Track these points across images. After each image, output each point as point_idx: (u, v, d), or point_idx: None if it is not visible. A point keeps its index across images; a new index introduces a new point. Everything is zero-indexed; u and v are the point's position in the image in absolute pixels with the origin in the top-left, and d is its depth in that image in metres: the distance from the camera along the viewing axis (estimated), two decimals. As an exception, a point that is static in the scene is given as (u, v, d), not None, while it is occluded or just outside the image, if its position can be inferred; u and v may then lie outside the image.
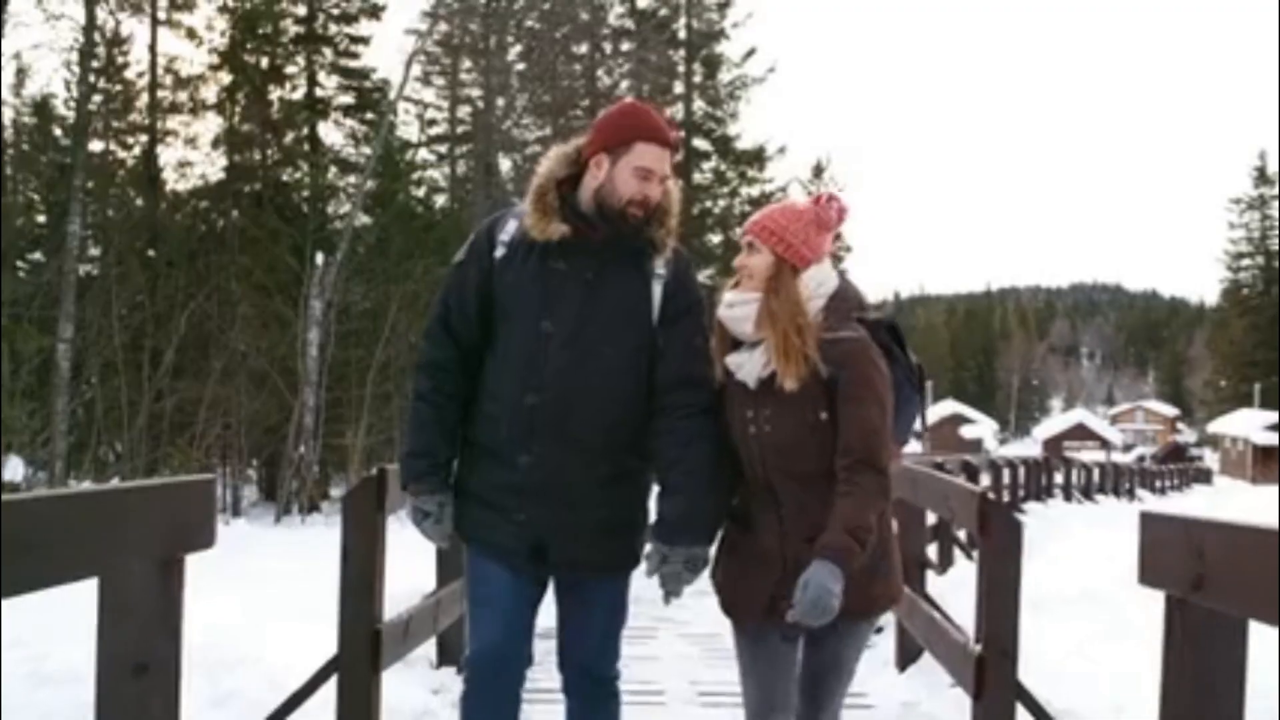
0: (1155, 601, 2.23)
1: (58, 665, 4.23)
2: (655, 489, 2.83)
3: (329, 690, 3.74)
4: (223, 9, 23.52)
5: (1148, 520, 2.28)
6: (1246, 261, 67.38)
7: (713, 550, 2.81)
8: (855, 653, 2.81)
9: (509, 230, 2.75)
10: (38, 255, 20.14)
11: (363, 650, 3.63)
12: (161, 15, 24.26)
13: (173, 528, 2.14)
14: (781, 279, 2.67)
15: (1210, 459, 63.33)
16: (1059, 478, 21.78)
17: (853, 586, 2.54)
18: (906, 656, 5.57)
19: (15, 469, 12.31)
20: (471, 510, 2.80)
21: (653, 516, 2.80)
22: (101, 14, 21.16)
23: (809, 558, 2.54)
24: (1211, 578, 1.98)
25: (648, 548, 2.78)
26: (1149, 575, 2.24)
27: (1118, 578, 6.65)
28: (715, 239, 33.14)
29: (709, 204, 32.82)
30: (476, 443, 2.80)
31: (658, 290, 2.74)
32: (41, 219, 21.35)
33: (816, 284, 2.69)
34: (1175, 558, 2.10)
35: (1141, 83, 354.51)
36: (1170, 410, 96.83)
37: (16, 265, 17.08)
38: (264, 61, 24.55)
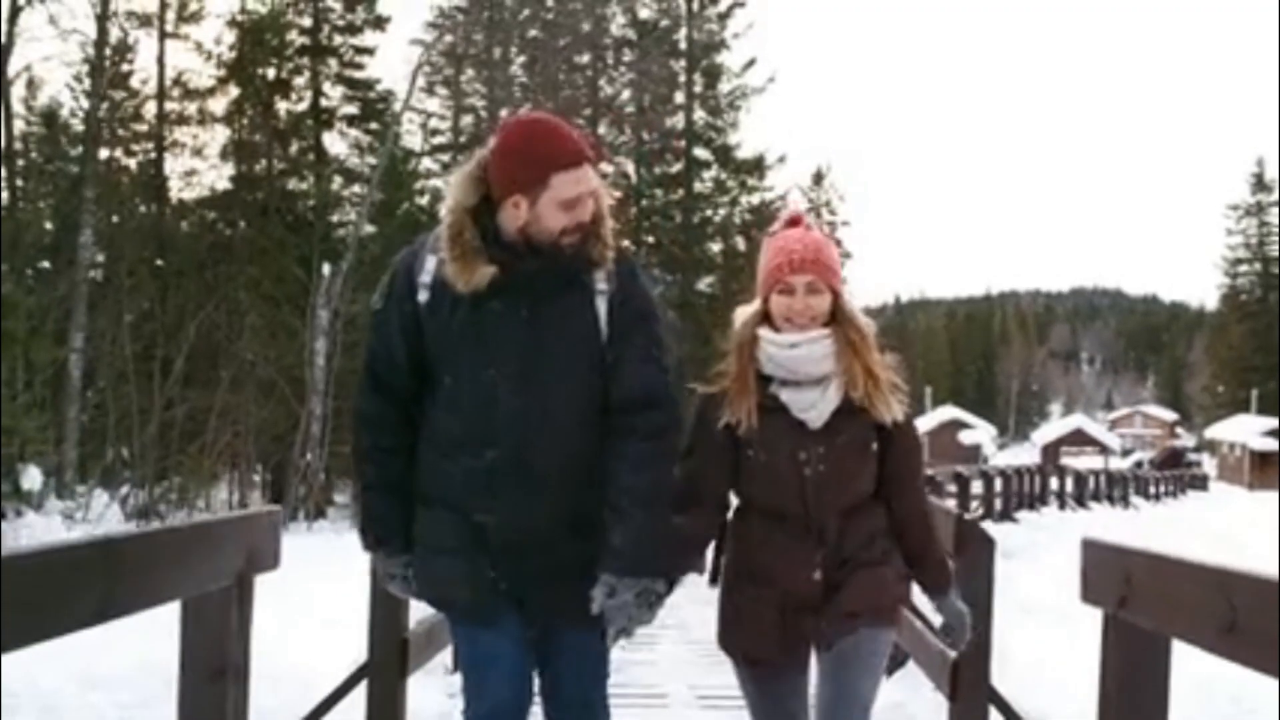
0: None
1: (106, 670, 4.57)
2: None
3: (351, 692, 4.07)
4: (231, 23, 23.87)
5: (1088, 546, 2.62)
6: (1244, 268, 67.74)
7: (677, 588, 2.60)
8: (883, 658, 2.71)
9: (429, 269, 2.44)
10: (45, 264, 20.47)
11: (392, 658, 3.95)
12: (169, 28, 24.64)
13: (246, 553, 2.48)
14: (843, 312, 2.61)
15: (1208, 464, 63.65)
16: (1054, 484, 22.08)
17: (870, 592, 2.57)
18: (894, 663, 5.90)
19: (34, 478, 12.65)
20: (438, 568, 2.53)
21: None
22: (113, 30, 21.58)
23: (844, 579, 2.57)
24: (1134, 598, 2.32)
25: (597, 579, 2.46)
26: (1089, 594, 2.59)
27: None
28: (715, 247, 33.50)
29: (709, 213, 33.18)
30: (431, 497, 2.52)
31: (602, 307, 2.48)
32: (47, 225, 21.70)
33: (860, 313, 2.68)
34: (1108, 579, 2.45)
35: (1142, 86, 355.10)
36: (1169, 415, 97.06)
37: (27, 275, 17.37)
38: (270, 73, 24.95)
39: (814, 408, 2.56)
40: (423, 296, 2.44)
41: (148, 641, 5.31)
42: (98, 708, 4.32)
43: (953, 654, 4.22)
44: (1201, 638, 1.98)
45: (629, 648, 6.36)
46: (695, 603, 3.14)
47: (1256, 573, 1.83)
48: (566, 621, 2.53)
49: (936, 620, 2.85)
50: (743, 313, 2.71)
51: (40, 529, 12.24)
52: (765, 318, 2.62)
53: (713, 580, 2.80)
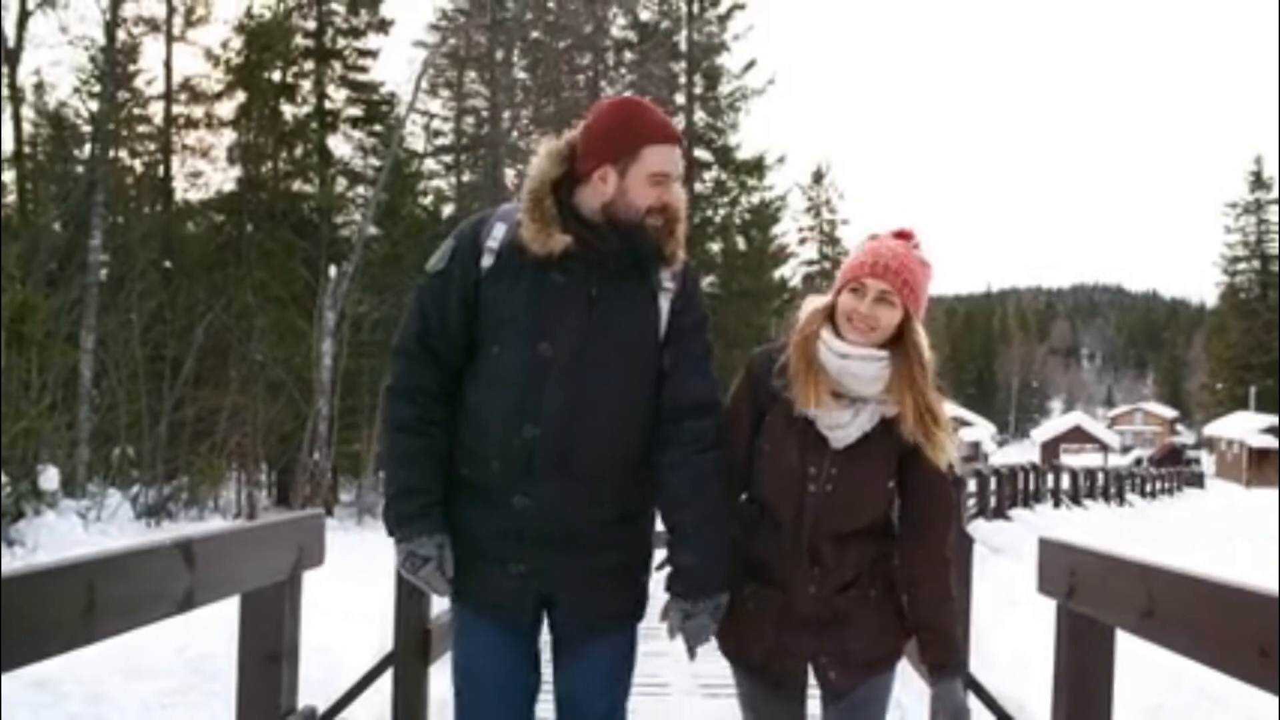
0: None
1: (147, 662, 4.90)
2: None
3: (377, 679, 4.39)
4: (239, 29, 24.17)
5: (1043, 544, 2.95)
6: (1243, 265, 68.02)
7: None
8: (888, 699, 2.60)
9: (497, 235, 2.38)
10: (51, 266, 20.76)
11: (416, 647, 4.26)
12: (176, 31, 24.94)
13: (297, 551, 2.80)
14: (911, 335, 2.38)
15: (1207, 461, 64.00)
16: (1050, 482, 22.37)
17: (883, 640, 2.47)
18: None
19: (52, 478, 12.97)
20: (459, 560, 2.42)
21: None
22: (119, 34, 21.88)
23: (845, 608, 2.43)
24: (1079, 589, 2.65)
25: (666, 606, 2.45)
26: (1044, 585, 2.92)
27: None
28: (715, 247, 33.81)
29: (710, 213, 33.46)
30: (461, 481, 2.42)
31: (665, 305, 2.42)
32: (56, 227, 22.01)
33: (927, 346, 2.44)
34: (1058, 573, 2.77)
35: (1144, 83, 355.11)
36: (1169, 412, 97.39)
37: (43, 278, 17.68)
38: (275, 76, 25.26)
39: (841, 428, 2.37)
40: (487, 261, 2.37)
41: (184, 634, 5.66)
42: (141, 696, 4.64)
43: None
44: (1127, 622, 2.31)
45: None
46: None
47: (1170, 567, 2.16)
48: (595, 628, 2.43)
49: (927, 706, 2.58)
50: (811, 304, 2.53)
51: (62, 529, 12.57)
52: (831, 316, 2.43)
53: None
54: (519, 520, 2.34)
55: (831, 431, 2.38)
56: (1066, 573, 2.69)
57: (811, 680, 2.54)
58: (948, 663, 2.40)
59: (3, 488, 12.21)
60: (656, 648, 6.67)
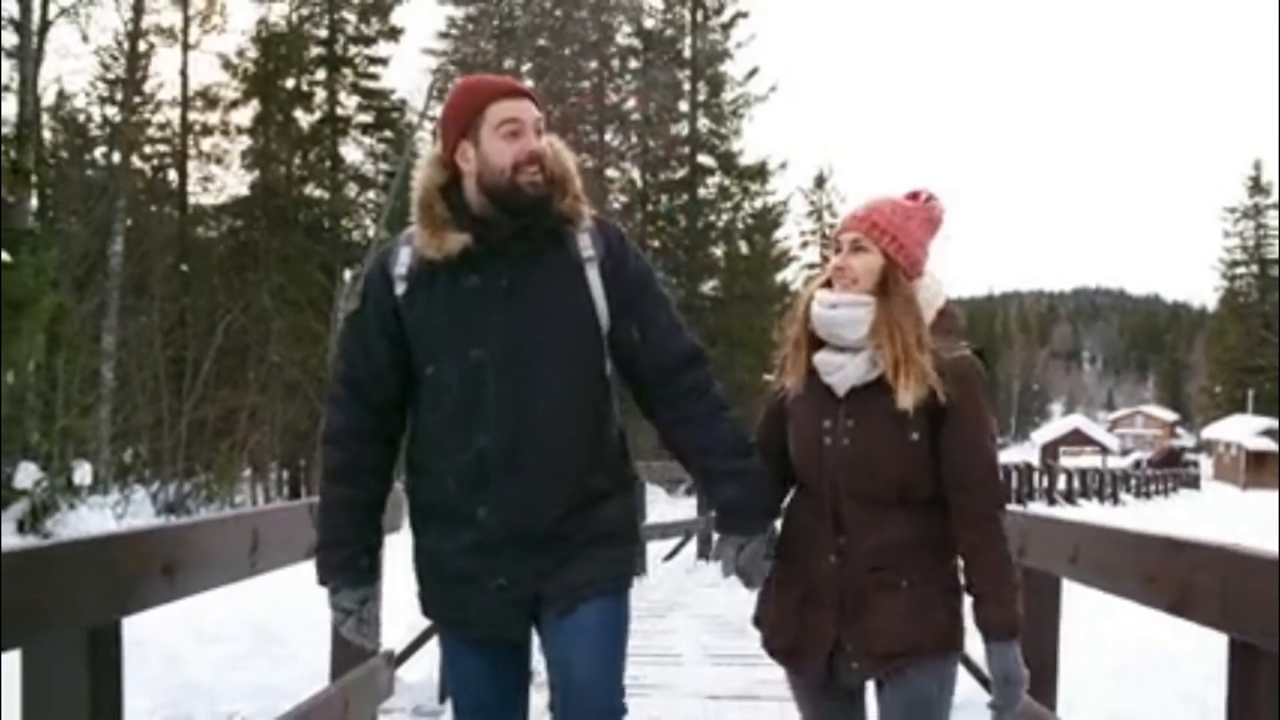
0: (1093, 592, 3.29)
1: (215, 627, 5.47)
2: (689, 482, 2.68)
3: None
4: (256, 38, 24.75)
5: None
6: (1241, 270, 68.46)
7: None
8: (944, 698, 2.36)
9: (403, 260, 2.33)
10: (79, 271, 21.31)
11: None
12: (191, 40, 25.53)
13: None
14: (896, 284, 2.31)
15: (1205, 464, 64.50)
16: (1044, 482, 22.87)
17: (911, 623, 2.26)
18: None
19: (86, 474, 13.58)
20: (435, 590, 2.38)
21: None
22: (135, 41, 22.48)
23: (873, 595, 2.28)
24: (1029, 547, 3.22)
25: (717, 545, 2.43)
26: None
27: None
28: (719, 251, 34.34)
29: (713, 218, 33.97)
30: (423, 507, 2.38)
31: (594, 275, 2.32)
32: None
33: (932, 294, 2.37)
34: (1012, 535, 3.34)
35: (1145, 87, 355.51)
36: (1169, 415, 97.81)
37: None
38: (290, 83, 25.86)
39: (836, 372, 2.32)
40: (400, 289, 2.31)
41: (248, 602, 6.24)
42: (213, 658, 5.21)
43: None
44: (1060, 568, 2.88)
45: (648, 620, 7.27)
46: (701, 585, 3.47)
47: (1089, 523, 2.74)
48: (580, 597, 2.32)
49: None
50: (817, 279, 2.50)
51: (94, 522, 13.16)
52: (828, 283, 2.40)
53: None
54: (485, 533, 2.27)
55: (829, 378, 2.33)
56: (1020, 534, 3.25)
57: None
58: (999, 622, 2.22)
59: (39, 482, 12.80)
60: (669, 625, 7.30)
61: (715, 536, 2.44)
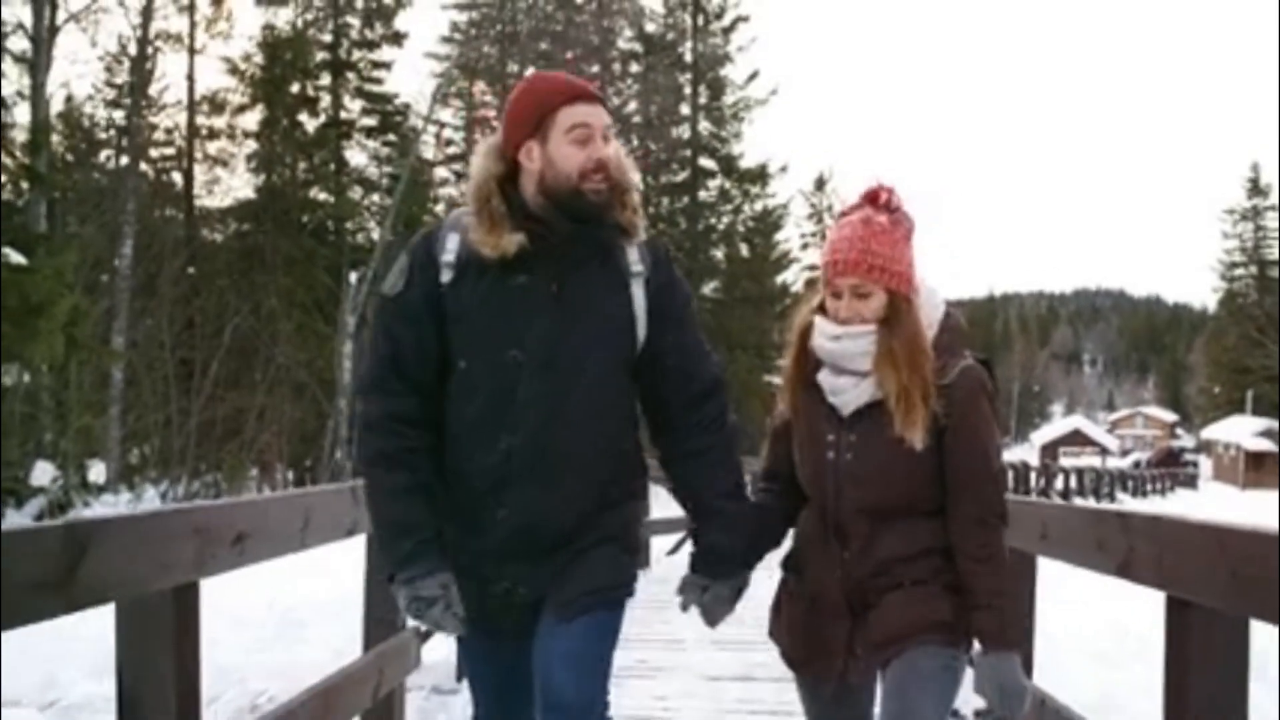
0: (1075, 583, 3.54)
1: (244, 612, 5.76)
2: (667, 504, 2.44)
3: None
4: (262, 44, 25.04)
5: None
6: (1240, 271, 68.66)
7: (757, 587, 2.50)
8: (946, 679, 2.30)
9: (451, 247, 2.26)
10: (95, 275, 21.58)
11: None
12: (197, 45, 25.83)
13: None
14: (899, 315, 2.30)
15: (1204, 465, 64.79)
16: (1042, 482, 23.14)
17: (908, 611, 2.26)
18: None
19: (100, 472, 13.92)
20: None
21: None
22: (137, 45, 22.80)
23: (876, 598, 2.29)
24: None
25: (684, 581, 2.41)
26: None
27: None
28: (719, 253, 34.63)
29: (714, 220, 34.25)
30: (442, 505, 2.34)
31: (638, 291, 2.31)
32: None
33: (932, 308, 2.37)
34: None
35: (1146, 88, 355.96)
36: (1169, 416, 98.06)
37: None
38: (294, 88, 26.16)
39: (843, 394, 2.33)
40: (446, 276, 2.25)
41: (273, 591, 6.55)
42: (242, 641, 5.50)
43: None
44: (1033, 545, 3.17)
45: (653, 610, 7.53)
46: None
47: (1058, 503, 3.03)
48: (577, 603, 2.30)
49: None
50: (809, 300, 2.49)
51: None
52: (823, 307, 2.40)
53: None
54: (498, 538, 2.27)
55: (835, 398, 2.33)
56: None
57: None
58: (992, 630, 2.20)
59: (55, 480, 13.14)
60: (673, 614, 7.55)
61: (685, 574, 2.41)
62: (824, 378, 2.34)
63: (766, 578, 2.51)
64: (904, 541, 2.28)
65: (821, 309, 2.37)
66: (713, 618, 2.41)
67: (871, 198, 2.35)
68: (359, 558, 3.77)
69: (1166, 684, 2.27)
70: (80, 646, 5.74)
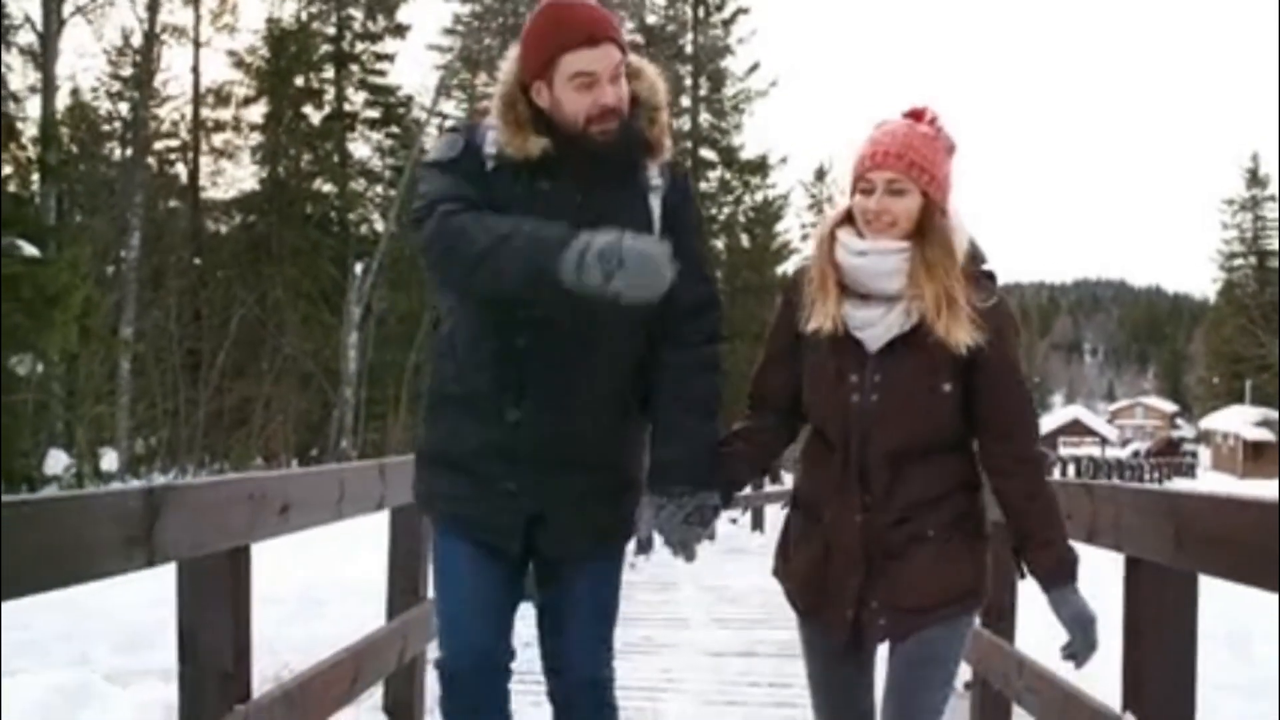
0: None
1: (271, 591, 6.01)
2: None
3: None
4: (267, 37, 25.25)
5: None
6: (1239, 261, 68.77)
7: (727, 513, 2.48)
8: (958, 654, 2.31)
9: (491, 139, 2.24)
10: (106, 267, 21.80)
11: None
12: (203, 38, 26.04)
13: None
14: (934, 225, 2.16)
15: (1204, 454, 65.09)
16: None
17: (940, 578, 2.19)
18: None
19: (112, 460, 14.18)
20: (441, 479, 2.32)
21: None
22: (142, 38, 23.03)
23: (898, 548, 2.18)
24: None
25: (640, 503, 2.32)
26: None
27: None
28: (720, 244, 34.86)
29: (714, 211, 34.49)
30: (446, 394, 2.31)
31: (655, 203, 2.27)
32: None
33: (961, 234, 2.21)
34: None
35: (1146, 78, 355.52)
36: (1170, 406, 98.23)
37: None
38: (299, 80, 26.39)
39: (871, 327, 2.18)
40: (490, 165, 2.22)
41: (293, 570, 6.80)
42: (271, 619, 5.74)
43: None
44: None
45: (656, 591, 7.80)
46: (706, 559, 3.14)
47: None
48: (584, 548, 2.30)
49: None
50: (829, 215, 2.34)
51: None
52: (849, 218, 2.24)
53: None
54: (510, 435, 2.22)
55: (862, 333, 2.19)
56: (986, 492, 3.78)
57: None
58: (1054, 567, 2.16)
59: (69, 468, 13.38)
60: (678, 594, 7.84)
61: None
62: (850, 311, 2.19)
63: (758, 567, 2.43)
64: (927, 483, 2.18)
65: (847, 220, 2.22)
66: (673, 542, 2.24)
67: (915, 114, 2.23)
68: (373, 545, 3.96)
69: (1125, 636, 2.51)
70: (104, 624, 6.01)
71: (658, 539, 2.29)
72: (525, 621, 2.33)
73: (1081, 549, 2.30)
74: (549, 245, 2.01)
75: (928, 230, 2.14)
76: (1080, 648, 2.15)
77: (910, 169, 2.13)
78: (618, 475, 2.31)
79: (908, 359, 2.15)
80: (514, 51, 2.24)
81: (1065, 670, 3.29)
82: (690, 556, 2.25)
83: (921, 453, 2.17)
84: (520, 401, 2.21)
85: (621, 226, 2.06)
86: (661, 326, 2.25)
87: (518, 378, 2.20)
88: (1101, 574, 2.74)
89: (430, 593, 2.90)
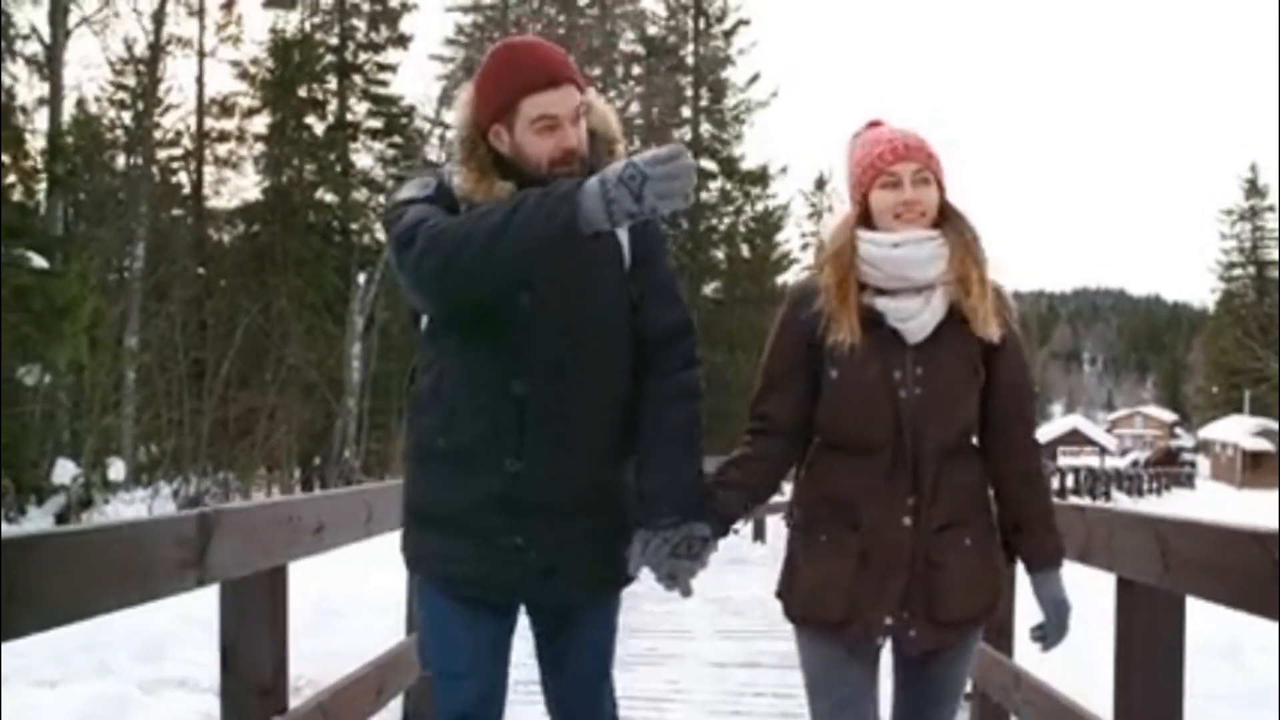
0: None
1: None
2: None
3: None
4: (271, 48, 25.42)
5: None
6: (1238, 271, 68.95)
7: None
8: (960, 686, 2.36)
9: (457, 185, 2.19)
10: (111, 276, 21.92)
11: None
12: (208, 48, 26.21)
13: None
14: (953, 211, 2.24)
15: (1202, 464, 65.20)
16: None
17: (982, 591, 2.22)
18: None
19: (120, 470, 14.28)
20: (431, 538, 2.23)
21: None
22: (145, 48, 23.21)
23: (939, 555, 2.17)
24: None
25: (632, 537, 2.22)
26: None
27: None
28: (720, 254, 35.03)
29: (715, 221, 34.67)
30: (431, 450, 2.21)
31: (623, 234, 2.21)
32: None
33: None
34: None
35: (1146, 87, 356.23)
36: (1169, 416, 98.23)
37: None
38: (302, 91, 26.57)
39: (915, 317, 2.17)
40: (462, 206, 2.15)
41: (308, 584, 6.92)
42: (290, 629, 5.88)
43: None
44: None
45: (662, 601, 7.90)
46: (708, 572, 3.22)
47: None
48: (590, 596, 2.29)
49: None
50: (830, 223, 2.36)
51: (128, 515, 13.86)
52: (863, 219, 2.24)
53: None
54: (513, 486, 2.15)
55: (905, 324, 2.18)
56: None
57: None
58: (1048, 553, 2.25)
59: (76, 478, 13.49)
60: (681, 606, 7.93)
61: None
62: (883, 303, 2.18)
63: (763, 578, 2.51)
64: (965, 475, 2.21)
65: (861, 223, 2.23)
66: (662, 576, 2.17)
67: (875, 124, 2.33)
68: (384, 560, 4.11)
69: (1115, 654, 2.65)
70: (116, 634, 6.13)
71: (648, 574, 2.20)
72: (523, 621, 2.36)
73: (1074, 569, 2.45)
74: (561, 200, 1.95)
75: (950, 217, 2.22)
76: (1051, 630, 2.23)
77: (930, 159, 2.21)
78: (619, 519, 2.23)
79: (945, 348, 2.17)
80: (466, 94, 2.19)
81: (1062, 684, 3.43)
82: (685, 591, 2.17)
83: (960, 446, 2.21)
84: (520, 450, 2.15)
85: (593, 260, 2.11)
86: (641, 357, 2.24)
87: (517, 425, 2.14)
88: (1101, 596, 2.88)
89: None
